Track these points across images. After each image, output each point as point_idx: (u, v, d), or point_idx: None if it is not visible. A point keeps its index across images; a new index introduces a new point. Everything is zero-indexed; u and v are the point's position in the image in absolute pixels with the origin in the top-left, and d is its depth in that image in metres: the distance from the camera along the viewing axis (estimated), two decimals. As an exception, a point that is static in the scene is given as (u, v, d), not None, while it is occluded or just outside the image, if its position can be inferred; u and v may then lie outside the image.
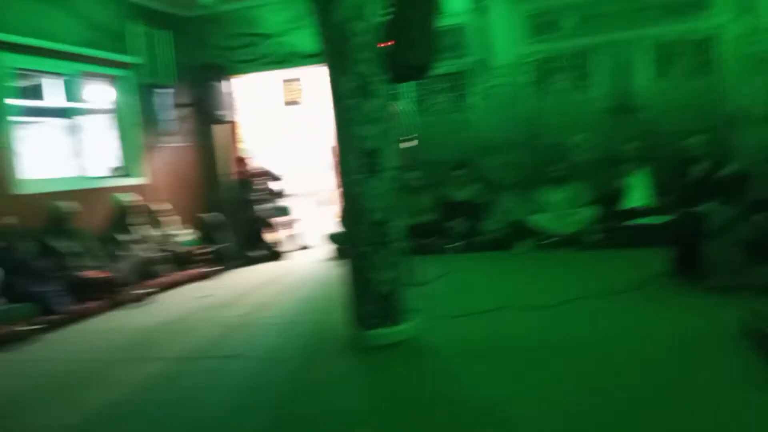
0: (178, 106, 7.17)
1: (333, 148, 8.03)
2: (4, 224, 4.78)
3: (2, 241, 4.72)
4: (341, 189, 3.49)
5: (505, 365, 2.86)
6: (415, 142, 4.84)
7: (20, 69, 5.59)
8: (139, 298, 5.19)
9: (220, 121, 7.30)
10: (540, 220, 6.06)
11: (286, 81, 10.78)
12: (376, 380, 2.91)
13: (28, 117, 6.55)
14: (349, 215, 3.40)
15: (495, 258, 5.83)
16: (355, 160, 3.29)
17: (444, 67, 5.22)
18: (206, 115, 7.19)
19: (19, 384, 3.26)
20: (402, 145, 4.65)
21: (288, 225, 7.69)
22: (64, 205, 5.36)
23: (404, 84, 6.31)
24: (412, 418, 2.38)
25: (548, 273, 5.06)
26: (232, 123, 7.62)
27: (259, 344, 3.66)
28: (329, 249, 6.82)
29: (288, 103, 10.83)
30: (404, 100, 6.65)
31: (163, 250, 6.08)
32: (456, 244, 6.21)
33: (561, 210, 6.07)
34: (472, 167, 6.63)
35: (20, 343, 4.06)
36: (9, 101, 5.26)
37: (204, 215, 6.98)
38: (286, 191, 7.98)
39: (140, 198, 6.24)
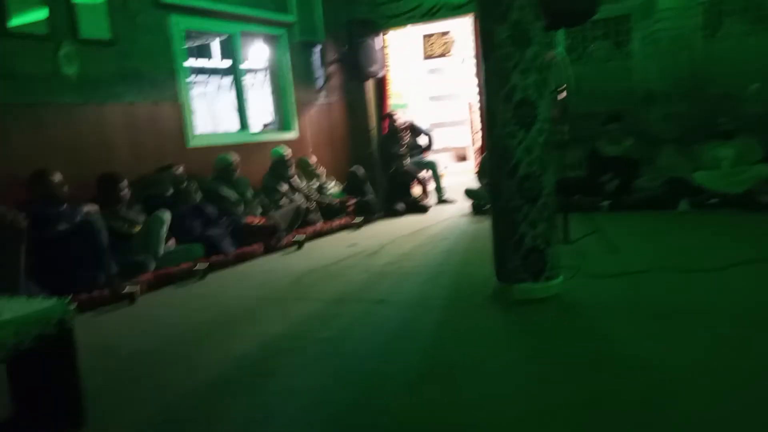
0: (328, 62, 7.43)
1: (478, 101, 8.00)
2: (179, 173, 5.30)
3: (177, 188, 5.24)
4: (485, 143, 3.44)
5: (658, 327, 2.72)
6: (565, 93, 4.62)
7: (190, 30, 6.09)
8: (294, 244, 5.57)
9: (369, 76, 7.45)
10: (703, 178, 5.58)
11: (427, 36, 10.72)
12: (523, 334, 2.90)
13: (196, 76, 7.12)
14: (497, 168, 3.36)
15: (650, 217, 5.49)
16: (507, 112, 3.23)
17: (602, 11, 4.88)
18: (356, 71, 7.35)
19: (194, 316, 3.66)
20: (555, 96, 4.47)
21: (431, 179, 7.78)
22: (229, 157, 5.83)
23: (558, 31, 6.03)
24: (564, 373, 2.36)
25: (710, 235, 4.68)
26: (381, 78, 7.75)
27: (405, 292, 3.79)
28: (468, 204, 6.82)
29: (432, 57, 10.80)
30: (558, 48, 6.34)
31: (314, 201, 6.44)
32: (607, 201, 5.92)
33: (728, 167, 5.54)
34: (628, 120, 6.22)
35: (191, 280, 4.54)
36: (183, 62, 5.77)
37: (351, 168, 7.25)
38: (432, 146, 8.04)
39: (293, 152, 6.61)
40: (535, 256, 3.28)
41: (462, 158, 10.99)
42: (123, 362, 2.91)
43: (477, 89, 8.21)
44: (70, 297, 2.35)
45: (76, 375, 2.22)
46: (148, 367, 2.82)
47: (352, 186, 7.10)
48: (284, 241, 5.56)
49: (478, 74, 8.00)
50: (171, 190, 5.20)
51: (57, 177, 4.25)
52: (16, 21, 4.41)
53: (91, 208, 4.40)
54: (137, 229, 4.64)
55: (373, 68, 7.33)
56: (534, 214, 3.26)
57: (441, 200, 7.65)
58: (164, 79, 5.54)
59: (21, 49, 4.43)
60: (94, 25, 4.92)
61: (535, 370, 2.42)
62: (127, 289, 4.03)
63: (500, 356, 2.62)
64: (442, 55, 10.71)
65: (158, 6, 5.48)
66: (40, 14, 4.54)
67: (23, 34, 4.44)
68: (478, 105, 8.27)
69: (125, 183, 4.69)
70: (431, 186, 7.73)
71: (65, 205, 4.23)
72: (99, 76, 4.95)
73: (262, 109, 7.34)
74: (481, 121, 8.08)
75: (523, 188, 3.25)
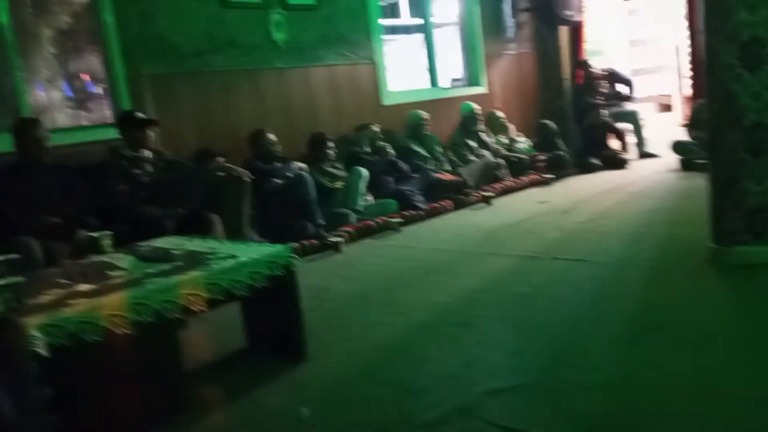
0: (519, 10, 7.16)
1: (689, 43, 7.20)
2: (374, 131, 5.55)
3: (373, 145, 5.50)
4: (697, 90, 3.11)
5: None
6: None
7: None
8: (483, 200, 5.58)
9: (564, 22, 7.04)
10: None
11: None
12: (743, 302, 2.64)
13: (388, 35, 7.31)
14: (718, 117, 3.02)
15: None
16: (731, 53, 2.87)
17: None
18: (549, 17, 6.98)
19: (393, 265, 3.87)
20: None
21: (632, 131, 7.23)
22: (420, 113, 5.96)
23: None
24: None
25: None
26: (576, 24, 7.30)
27: (604, 251, 3.62)
28: (674, 158, 6.24)
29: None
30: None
31: (504, 156, 6.36)
32: None
33: None
34: None
35: (388, 233, 4.78)
36: (378, 23, 5.96)
37: (542, 121, 7.01)
38: (633, 95, 7.46)
39: (481, 107, 6.55)
40: (759, 216, 2.94)
41: (666, 108, 10.03)
42: (333, 304, 3.19)
43: (687, 30, 7.39)
44: (291, 245, 2.61)
45: (299, 313, 2.49)
46: (356, 309, 3.07)
47: (543, 140, 6.88)
48: (473, 197, 5.60)
49: (690, 13, 7.19)
50: (368, 148, 5.48)
51: (272, 136, 4.70)
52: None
53: (300, 164, 4.81)
54: (340, 184, 4.98)
55: (569, 13, 6.91)
56: (760, 168, 2.91)
57: (643, 154, 7.09)
58: (361, 40, 5.78)
59: (240, 18, 4.89)
60: (300, -8, 5.27)
61: (760, 339, 2.20)
62: (333, 238, 4.37)
63: (717, 323, 2.41)
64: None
65: (356, -32, 5.69)
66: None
67: (242, 4, 4.90)
68: (688, 48, 7.45)
69: (331, 142, 5.05)
70: (631, 139, 7.20)
71: (280, 162, 4.68)
72: (304, 40, 5.31)
73: (451, 65, 7.35)
74: (692, 66, 7.29)
75: (749, 139, 2.90)
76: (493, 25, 7.06)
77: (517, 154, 6.51)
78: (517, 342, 2.45)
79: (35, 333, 1.66)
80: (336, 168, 5.11)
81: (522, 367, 2.21)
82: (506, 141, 6.71)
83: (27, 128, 3.27)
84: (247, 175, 3.94)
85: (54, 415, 1.69)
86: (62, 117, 4.83)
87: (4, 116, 4.01)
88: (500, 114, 6.87)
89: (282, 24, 5.14)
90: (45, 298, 1.93)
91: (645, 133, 7.24)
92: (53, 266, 2.46)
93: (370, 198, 5.09)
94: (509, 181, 6.11)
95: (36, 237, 2.87)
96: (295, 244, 4.22)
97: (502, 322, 2.70)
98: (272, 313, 2.55)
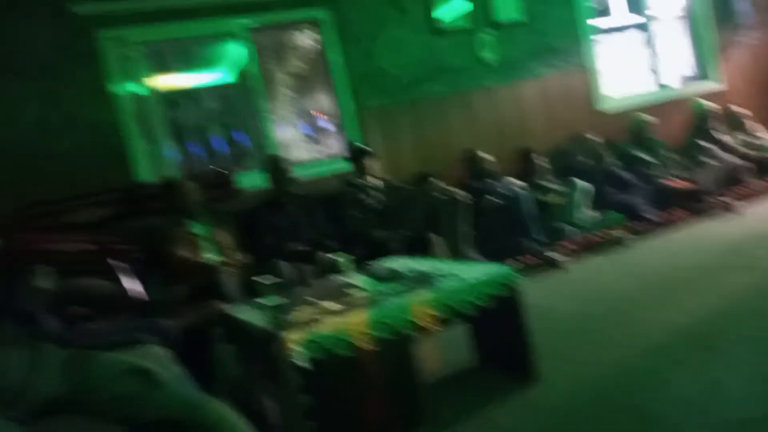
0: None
1: None
2: (592, 140, 5.31)
3: (591, 155, 5.26)
4: None
5: None
6: None
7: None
8: (724, 207, 5.00)
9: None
10: None
11: None
12: None
13: (602, 37, 6.94)
14: None
15: None
16: None
17: None
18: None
19: (623, 282, 3.65)
20: None
21: None
22: (644, 116, 5.56)
23: None
24: None
25: None
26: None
27: None
28: None
29: None
30: None
31: (747, 157, 5.63)
32: None
33: None
34: None
35: (615, 248, 4.51)
36: (588, 27, 5.72)
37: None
38: None
39: (716, 104, 5.89)
40: None
41: None
42: (561, 324, 3.09)
43: None
44: (511, 263, 2.62)
45: (527, 332, 2.47)
46: (586, 330, 2.95)
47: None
48: (712, 204, 5.03)
49: None
50: (584, 158, 5.25)
51: (485, 155, 4.77)
52: (446, 19, 5.06)
53: (514, 180, 4.79)
54: (555, 197, 4.85)
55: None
56: None
57: None
58: (571, 47, 5.60)
59: (450, 44, 5.06)
60: (508, 10, 5.28)
61: None
62: (553, 255, 4.26)
63: None
64: None
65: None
66: (465, 9, 5.09)
67: (452, 30, 5.07)
68: None
69: (540, 156, 4.96)
70: None
71: (494, 180, 4.71)
72: (514, 56, 5.30)
73: (676, 63, 6.74)
74: None
75: None
76: (726, 13, 6.33)
77: (761, 154, 5.71)
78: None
79: (297, 347, 1.89)
80: (549, 181, 4.99)
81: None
82: (747, 139, 5.93)
83: (276, 165, 3.76)
84: (462, 195, 4.05)
85: (312, 422, 1.91)
86: (302, 152, 5.43)
87: (257, 155, 4.66)
88: (739, 110, 6.10)
89: (492, 44, 5.21)
90: (300, 315, 2.19)
91: None
92: (303, 286, 2.77)
93: (592, 211, 4.87)
94: (755, 185, 5.39)
95: (288, 260, 3.27)
96: (517, 263, 4.21)
97: (752, 344, 2.39)
98: (499, 332, 2.57)
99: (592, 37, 5.82)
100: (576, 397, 2.28)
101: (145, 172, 4.01)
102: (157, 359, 2.04)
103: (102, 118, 3.89)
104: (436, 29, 5.01)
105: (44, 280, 2.38)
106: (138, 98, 4.10)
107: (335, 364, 1.96)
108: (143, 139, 4.07)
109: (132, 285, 2.81)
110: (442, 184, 4.21)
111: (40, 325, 1.94)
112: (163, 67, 4.57)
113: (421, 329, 2.21)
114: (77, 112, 3.83)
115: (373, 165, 4.05)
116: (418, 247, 3.51)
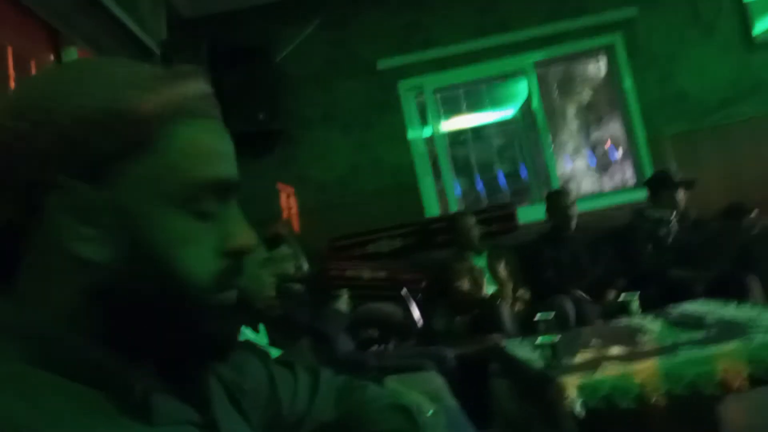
0: None
1: None
2: None
3: None
4: None
5: None
6: None
7: None
8: None
9: None
10: None
11: None
12: None
13: None
14: None
15: None
16: None
17: None
18: None
19: None
20: None
21: None
22: None
23: None
24: None
25: None
26: None
27: None
28: None
29: None
30: None
31: None
32: None
33: None
34: None
35: None
36: None
37: None
38: None
39: None
40: None
41: None
42: None
43: None
44: None
45: None
46: None
47: None
48: None
49: None
50: None
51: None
52: (761, 28, 4.34)
53: None
54: None
55: None
56: None
57: None
58: None
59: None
60: None
61: None
62: None
63: None
64: None
65: None
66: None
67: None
68: None
69: None
70: None
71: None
72: None
73: None
74: None
75: None
76: None
77: None
78: None
79: (573, 392, 1.77)
80: None
81: None
82: None
83: (557, 199, 3.65)
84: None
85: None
86: (586, 184, 5.20)
87: (538, 188, 4.60)
88: None
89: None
90: (579, 357, 2.06)
91: None
92: (585, 326, 2.61)
93: None
94: None
95: (570, 298, 3.12)
96: None
97: None
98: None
99: None
100: None
101: (433, 207, 4.27)
102: (435, 387, 2.12)
103: (400, 160, 4.26)
104: (753, 42, 4.33)
105: (343, 304, 2.71)
106: (429, 140, 4.41)
107: (616, 416, 1.78)
108: (432, 177, 4.36)
109: (418, 313, 3.01)
110: (761, 219, 3.58)
111: (336, 346, 2.20)
112: (453, 109, 4.86)
113: (727, 388, 1.88)
114: (382, 156, 4.28)
115: (677, 195, 3.59)
116: (727, 291, 3.02)
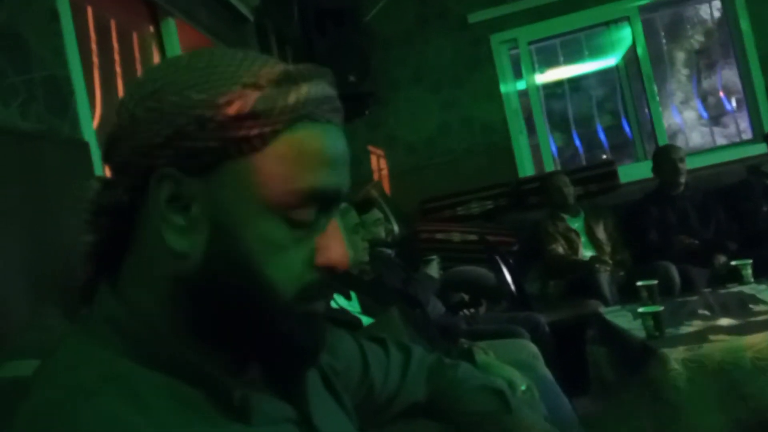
0: None
1: None
2: None
3: None
4: None
5: None
6: None
7: None
8: None
9: None
10: None
11: None
12: None
13: None
14: None
15: None
16: None
17: None
18: None
19: None
20: None
21: None
22: None
23: None
24: None
25: None
26: None
27: None
28: None
29: None
30: None
31: None
32: None
33: None
34: None
35: None
36: None
37: None
38: None
39: None
40: None
41: None
42: None
43: None
44: None
45: None
46: None
47: None
48: None
49: None
50: None
51: None
52: None
53: None
54: None
55: None
56: None
57: None
58: None
59: None
60: None
61: None
62: None
63: None
64: None
65: None
66: None
67: None
68: None
69: None
70: None
71: None
72: None
73: None
74: None
75: None
76: None
77: None
78: None
79: (676, 366, 1.68)
80: None
81: None
82: None
83: (665, 154, 3.41)
84: None
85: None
86: (696, 138, 4.84)
87: (642, 144, 4.33)
88: None
89: None
90: (685, 328, 1.95)
91: None
92: (691, 294, 2.46)
93: None
94: None
95: (674, 262, 2.94)
96: None
97: None
98: None
99: None
100: None
101: (527, 166, 4.13)
102: (527, 355, 2.09)
103: (492, 117, 4.14)
104: None
105: (435, 269, 2.70)
106: (522, 94, 4.24)
107: (720, 390, 1.67)
108: (526, 135, 4.20)
109: (511, 277, 2.96)
110: None
111: (427, 311, 2.20)
112: (549, 61, 4.63)
113: None
114: (472, 114, 4.17)
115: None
116: None
